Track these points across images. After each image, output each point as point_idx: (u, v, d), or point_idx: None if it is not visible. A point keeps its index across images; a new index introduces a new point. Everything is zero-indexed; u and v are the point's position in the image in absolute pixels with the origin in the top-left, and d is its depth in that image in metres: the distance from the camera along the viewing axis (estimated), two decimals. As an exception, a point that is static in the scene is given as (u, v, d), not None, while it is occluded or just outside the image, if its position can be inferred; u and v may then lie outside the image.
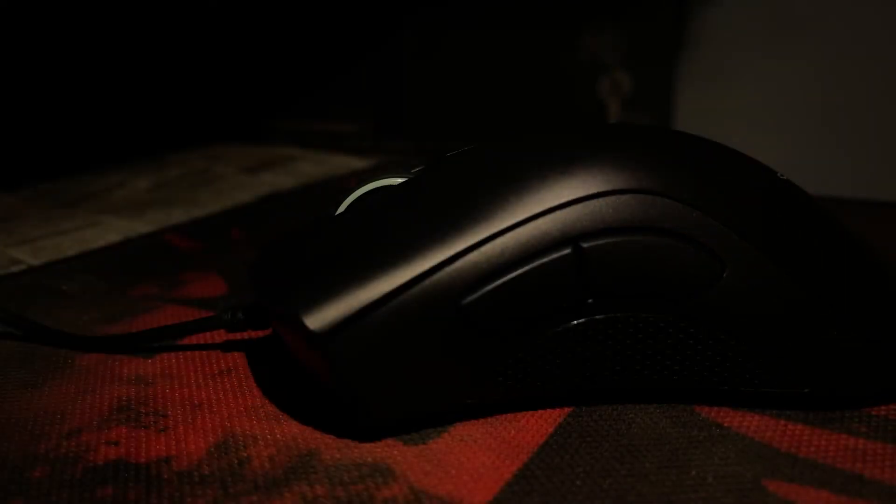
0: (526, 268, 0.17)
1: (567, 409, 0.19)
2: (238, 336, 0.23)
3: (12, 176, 0.43)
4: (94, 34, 0.48)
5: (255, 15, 0.54)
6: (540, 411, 0.19)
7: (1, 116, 0.44)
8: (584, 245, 0.17)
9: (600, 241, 0.17)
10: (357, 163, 0.48)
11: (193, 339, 0.23)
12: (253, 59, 0.55)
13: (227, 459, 0.17)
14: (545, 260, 0.17)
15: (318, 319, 0.17)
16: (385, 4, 0.52)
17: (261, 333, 0.23)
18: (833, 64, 0.40)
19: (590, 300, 0.17)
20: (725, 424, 0.18)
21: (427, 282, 0.17)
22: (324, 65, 0.54)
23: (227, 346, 0.22)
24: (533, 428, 0.18)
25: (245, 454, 0.17)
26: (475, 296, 0.17)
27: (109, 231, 0.34)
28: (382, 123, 0.53)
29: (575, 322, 0.18)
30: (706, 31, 0.44)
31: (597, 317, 0.18)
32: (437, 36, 0.51)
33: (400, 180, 0.20)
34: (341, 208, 0.20)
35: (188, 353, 0.22)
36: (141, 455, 0.17)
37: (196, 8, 0.53)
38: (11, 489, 0.16)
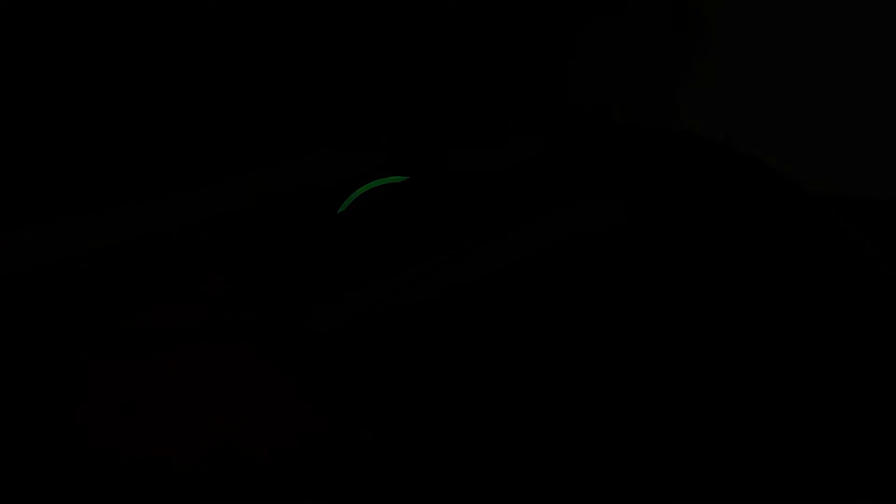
0: (509, 277, 0.17)
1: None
2: (238, 336, 0.23)
3: (13, 175, 0.43)
4: (94, 33, 0.48)
5: (257, 15, 0.54)
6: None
7: (1, 116, 0.44)
8: (580, 246, 0.17)
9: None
10: (357, 163, 0.48)
11: (194, 339, 0.23)
12: (254, 59, 0.55)
13: (227, 459, 0.17)
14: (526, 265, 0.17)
15: (319, 320, 0.17)
16: (386, 5, 0.52)
17: (261, 333, 0.23)
18: (833, 64, 0.40)
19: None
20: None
21: (425, 282, 0.17)
22: (324, 65, 0.54)
23: (228, 347, 0.22)
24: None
25: (245, 454, 0.17)
26: (471, 298, 0.17)
27: (110, 230, 0.34)
28: (382, 123, 0.53)
29: (555, 326, 0.18)
30: (707, 31, 0.44)
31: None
32: (437, 35, 0.51)
33: (400, 180, 0.20)
34: (341, 208, 0.20)
35: (189, 352, 0.22)
36: (142, 454, 0.17)
37: (195, 8, 0.52)
38: (12, 488, 0.16)
